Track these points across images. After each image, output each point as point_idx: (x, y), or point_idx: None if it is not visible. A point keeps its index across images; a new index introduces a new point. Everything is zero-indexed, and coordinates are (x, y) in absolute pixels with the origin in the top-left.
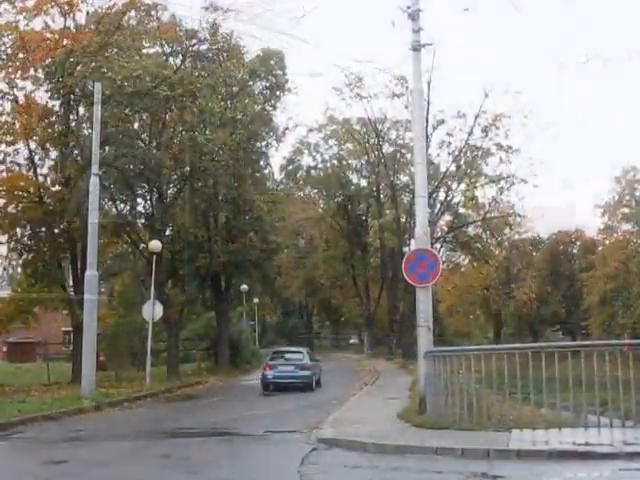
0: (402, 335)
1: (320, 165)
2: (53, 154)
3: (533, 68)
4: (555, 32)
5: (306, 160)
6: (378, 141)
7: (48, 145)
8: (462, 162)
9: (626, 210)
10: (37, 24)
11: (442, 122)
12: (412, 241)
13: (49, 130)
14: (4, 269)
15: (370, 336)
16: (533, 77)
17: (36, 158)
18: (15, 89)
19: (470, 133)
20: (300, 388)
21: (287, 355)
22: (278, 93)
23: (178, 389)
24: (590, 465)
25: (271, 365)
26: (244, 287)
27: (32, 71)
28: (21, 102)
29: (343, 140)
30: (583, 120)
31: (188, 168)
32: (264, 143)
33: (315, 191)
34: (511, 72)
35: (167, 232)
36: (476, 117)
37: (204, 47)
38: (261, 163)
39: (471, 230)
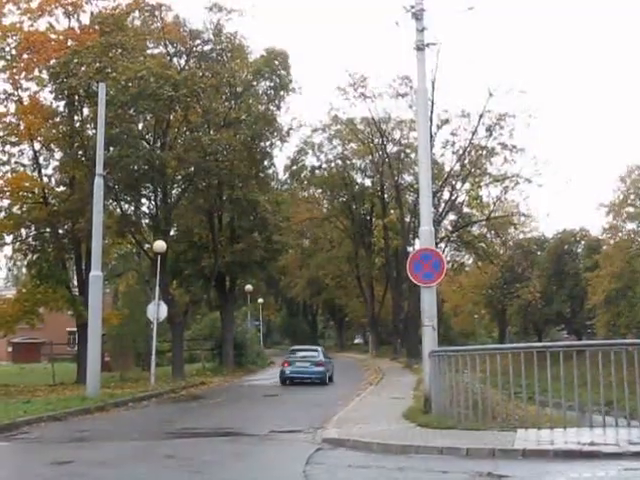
0: (407, 335)
1: (324, 165)
2: (57, 155)
3: (538, 67)
4: (558, 31)
5: (310, 160)
6: (382, 141)
7: (52, 146)
8: (466, 161)
9: (631, 209)
10: (41, 25)
11: (446, 122)
12: (417, 241)
13: (53, 131)
14: (9, 270)
15: (375, 336)
16: (538, 76)
17: (41, 159)
18: (20, 90)
19: (474, 132)
20: (315, 383)
21: (303, 353)
22: (282, 93)
23: (183, 389)
24: (595, 465)
25: (289, 361)
26: (249, 287)
27: (36, 72)
28: (26, 103)
29: (347, 140)
30: (588, 119)
31: (192, 168)
32: (268, 143)
33: (319, 191)
34: (515, 71)
35: (172, 232)
36: (480, 116)
37: (208, 47)
38: (265, 163)
39: (475, 229)
